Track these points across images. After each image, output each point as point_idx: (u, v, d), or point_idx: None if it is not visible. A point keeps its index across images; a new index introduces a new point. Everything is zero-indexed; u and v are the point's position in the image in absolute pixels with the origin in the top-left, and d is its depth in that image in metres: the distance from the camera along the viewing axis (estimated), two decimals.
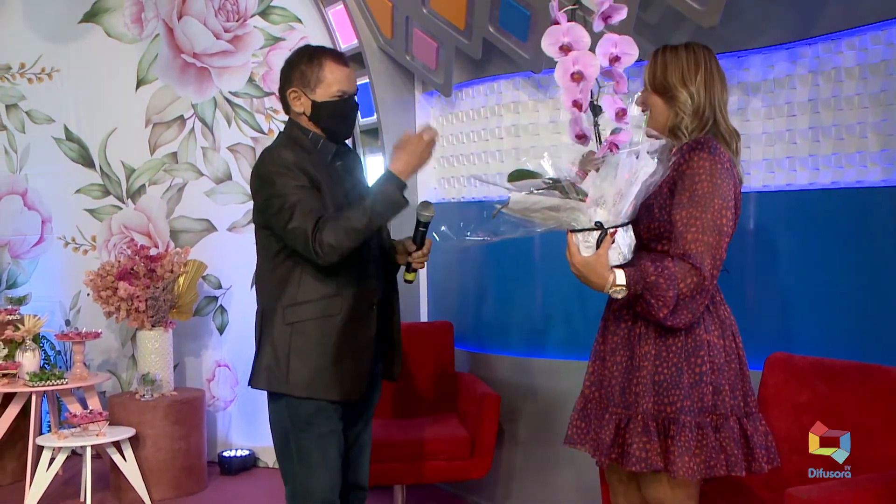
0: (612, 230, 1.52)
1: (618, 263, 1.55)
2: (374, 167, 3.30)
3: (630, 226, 1.56)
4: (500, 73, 2.92)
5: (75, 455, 3.19)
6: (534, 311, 2.88)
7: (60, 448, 2.91)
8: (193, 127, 3.56)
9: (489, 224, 1.58)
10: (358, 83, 3.20)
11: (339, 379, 1.80)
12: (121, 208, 3.66)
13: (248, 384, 1.89)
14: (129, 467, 3.02)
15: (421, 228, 1.88)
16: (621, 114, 1.57)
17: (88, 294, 3.36)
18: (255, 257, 1.91)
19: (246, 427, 3.51)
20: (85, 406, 3.26)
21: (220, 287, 3.54)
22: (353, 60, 3.24)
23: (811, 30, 2.25)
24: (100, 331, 3.35)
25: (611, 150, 1.57)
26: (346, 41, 3.24)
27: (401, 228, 2.15)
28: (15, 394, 3.15)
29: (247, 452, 3.47)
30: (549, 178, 1.53)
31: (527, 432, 2.89)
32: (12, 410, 3.18)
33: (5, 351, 3.27)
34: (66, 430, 2.99)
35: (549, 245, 2.75)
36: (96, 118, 3.63)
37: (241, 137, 3.51)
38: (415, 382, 3.00)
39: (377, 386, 1.98)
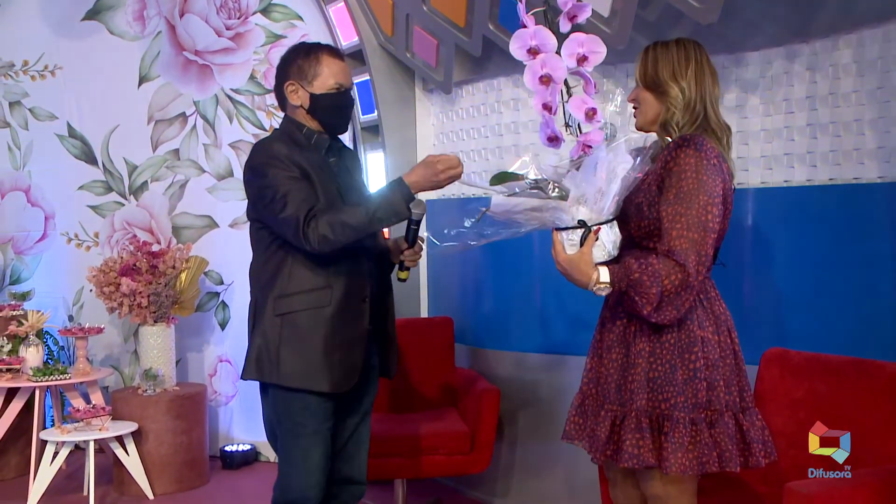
0: (595, 228, 1.53)
1: (603, 260, 1.56)
2: (374, 164, 3.32)
3: (615, 223, 1.57)
4: (499, 71, 2.93)
5: (78, 449, 3.20)
6: (533, 306, 2.90)
7: (64, 442, 2.93)
8: (195, 124, 3.58)
9: (475, 227, 1.58)
10: (359, 80, 3.28)
11: (329, 370, 1.82)
12: (123, 205, 3.67)
13: (242, 376, 1.91)
14: (131, 462, 3.04)
15: (412, 227, 1.89)
16: (591, 114, 1.57)
17: (91, 290, 3.38)
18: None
19: (247, 422, 3.52)
20: (88, 401, 3.28)
21: (221, 283, 3.56)
22: (354, 58, 3.27)
23: (809, 27, 2.26)
24: (102, 326, 3.37)
25: (583, 151, 1.58)
26: (346, 38, 3.26)
27: (398, 228, 2.17)
28: (19, 389, 3.17)
29: (248, 447, 3.49)
30: (532, 179, 1.53)
31: (526, 427, 2.91)
32: (16, 405, 3.19)
33: (9, 346, 3.29)
34: (70, 424, 3.01)
35: (548, 241, 2.74)
36: (99, 115, 3.65)
37: (242, 134, 3.53)
38: (415, 378, 3.01)
39: (373, 380, 1.99)
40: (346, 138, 3.32)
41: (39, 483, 2.95)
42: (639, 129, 1.69)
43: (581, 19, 1.59)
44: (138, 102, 3.59)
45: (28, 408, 3.20)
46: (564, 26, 1.59)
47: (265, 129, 3.48)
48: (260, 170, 1.82)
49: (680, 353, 1.58)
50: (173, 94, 3.57)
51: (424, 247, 1.91)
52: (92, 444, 2.93)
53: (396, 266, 1.98)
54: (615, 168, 1.50)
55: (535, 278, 2.86)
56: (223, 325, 3.58)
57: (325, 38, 3.32)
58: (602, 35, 2.27)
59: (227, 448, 3.47)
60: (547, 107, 1.56)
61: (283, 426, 1.86)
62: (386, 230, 2.16)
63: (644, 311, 1.53)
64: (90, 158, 3.70)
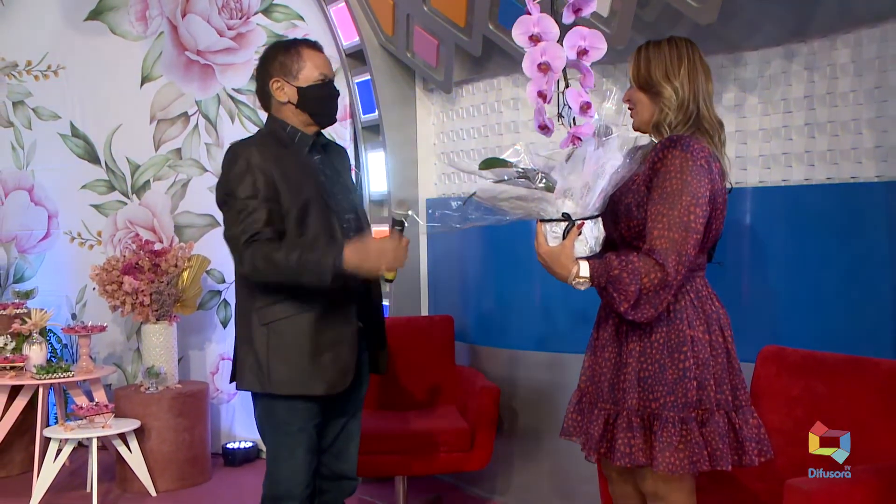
0: (579, 222, 1.53)
1: (585, 255, 1.56)
2: (375, 163, 3.33)
3: (599, 219, 1.57)
4: (499, 71, 2.94)
5: (81, 446, 3.22)
6: (533, 305, 2.90)
7: (67, 440, 2.95)
8: (197, 123, 3.59)
9: (460, 211, 1.58)
10: (360, 80, 3.29)
11: (321, 373, 1.82)
12: (126, 204, 3.69)
13: (237, 387, 1.91)
14: (134, 458, 3.06)
15: (397, 227, 1.86)
16: (586, 107, 1.57)
17: (94, 288, 3.40)
18: None
19: (249, 419, 3.52)
20: (91, 398, 3.30)
21: (223, 281, 3.58)
22: (355, 58, 3.29)
23: (807, 27, 2.27)
24: (105, 324, 3.39)
25: (573, 143, 1.57)
26: (347, 38, 3.27)
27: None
28: (22, 386, 3.19)
29: (250, 444, 3.50)
30: (521, 168, 1.53)
31: (526, 425, 2.92)
32: (20, 403, 3.22)
33: (13, 344, 3.31)
34: (73, 422, 3.02)
35: None
36: (102, 115, 3.67)
37: (244, 133, 3.52)
38: (416, 375, 3.03)
39: (363, 378, 1.99)
40: (346, 137, 3.38)
41: (43, 480, 2.97)
42: (636, 129, 1.69)
43: (586, 13, 1.59)
44: (141, 102, 3.60)
45: (32, 405, 3.22)
46: (568, 18, 1.59)
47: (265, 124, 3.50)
48: (228, 180, 1.80)
49: (669, 353, 1.59)
50: (175, 93, 3.59)
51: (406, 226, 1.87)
52: (95, 442, 2.94)
53: None
54: (604, 164, 1.50)
55: (535, 277, 2.87)
56: (225, 324, 3.59)
57: (326, 39, 3.34)
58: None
59: (228, 445, 3.49)
60: (542, 94, 1.56)
61: (268, 424, 1.88)
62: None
63: (621, 308, 1.53)
64: (93, 158, 3.72)
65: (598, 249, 1.58)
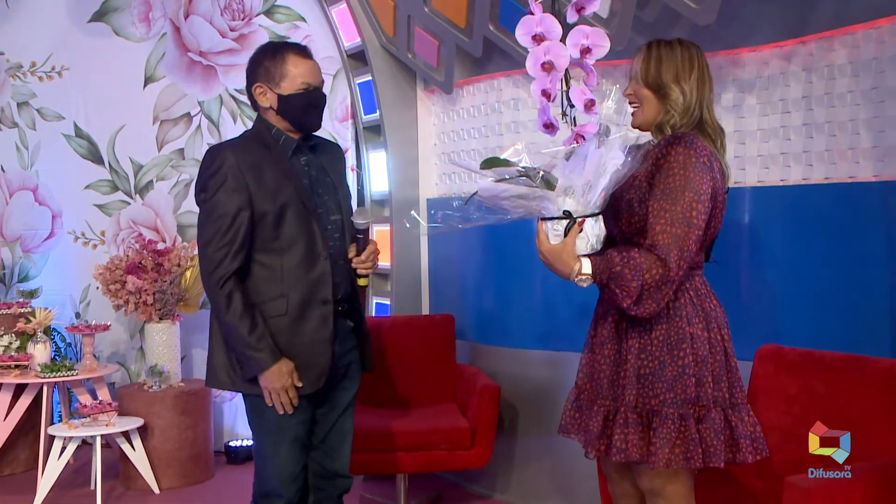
0: (580, 219, 1.53)
1: (586, 253, 1.56)
2: (376, 163, 3.35)
3: (600, 216, 1.57)
4: (500, 71, 2.96)
5: (85, 444, 3.23)
6: (534, 304, 2.92)
7: (71, 438, 2.96)
8: (200, 124, 3.62)
9: (461, 210, 1.59)
10: (361, 81, 3.30)
11: (295, 375, 1.83)
12: (129, 203, 3.72)
13: (207, 384, 1.93)
14: (137, 456, 3.08)
15: (358, 236, 1.89)
16: (590, 105, 1.57)
17: (98, 287, 3.42)
18: None
19: None
20: (95, 397, 3.32)
21: None
22: (356, 58, 3.31)
23: (804, 28, 2.28)
24: (109, 323, 3.41)
25: (577, 141, 1.57)
26: (348, 39, 3.29)
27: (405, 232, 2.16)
28: (27, 385, 3.21)
29: (252, 442, 3.52)
30: (522, 167, 1.53)
31: (526, 423, 2.93)
32: (24, 401, 3.24)
33: (17, 343, 3.34)
34: (77, 420, 3.04)
35: None
36: (105, 115, 3.69)
37: None
38: (417, 374, 3.04)
39: (353, 376, 1.99)
40: (348, 137, 3.40)
41: (48, 477, 2.98)
42: (636, 127, 1.69)
43: (588, 12, 1.59)
44: (144, 103, 3.63)
45: (36, 403, 3.24)
46: (571, 17, 1.60)
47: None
48: (206, 183, 1.82)
49: (669, 350, 1.60)
50: (178, 94, 3.61)
51: (407, 226, 1.88)
52: (99, 440, 2.96)
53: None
54: (605, 163, 1.50)
55: (536, 276, 2.89)
56: None
57: (327, 40, 3.36)
58: None
59: (231, 443, 3.50)
60: (546, 93, 1.57)
61: (254, 422, 1.90)
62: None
63: (624, 304, 1.54)
64: (96, 158, 3.75)
65: (599, 247, 1.58)
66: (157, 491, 3.10)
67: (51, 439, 3.04)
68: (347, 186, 2.03)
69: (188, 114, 3.62)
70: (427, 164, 3.36)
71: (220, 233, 1.79)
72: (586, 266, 1.54)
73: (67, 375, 3.16)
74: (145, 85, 3.64)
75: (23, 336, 3.33)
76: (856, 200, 2.22)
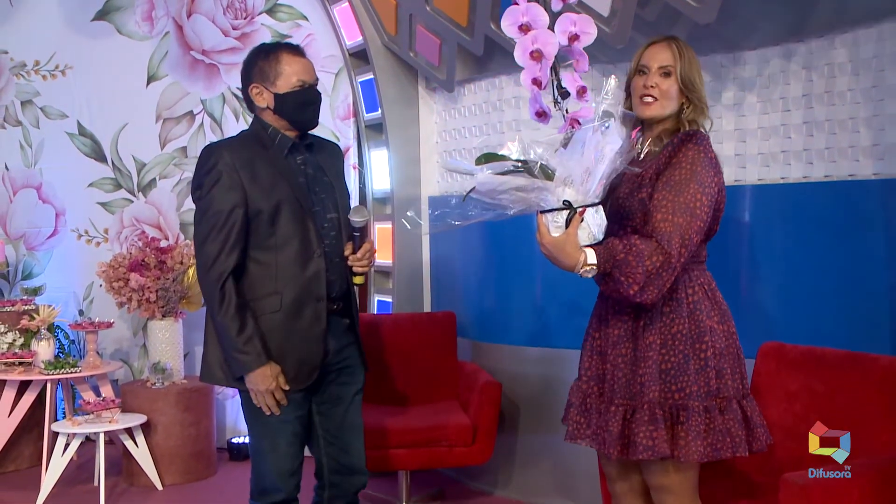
0: (580, 209, 1.52)
1: (587, 244, 1.55)
2: (378, 161, 3.36)
3: (600, 206, 1.56)
4: (501, 70, 2.96)
5: (89, 441, 3.26)
6: (535, 301, 2.93)
7: (75, 434, 2.98)
8: (202, 122, 3.63)
9: (460, 209, 1.58)
10: (363, 79, 3.31)
11: (288, 370, 1.86)
12: (132, 201, 3.73)
13: (201, 379, 1.96)
14: (140, 453, 3.10)
15: (355, 234, 1.90)
16: (582, 91, 1.56)
17: (101, 285, 3.43)
18: None
19: None
20: (98, 394, 3.33)
21: None
22: (358, 57, 3.32)
23: (805, 27, 2.29)
24: (112, 321, 3.42)
25: (572, 126, 1.57)
26: (350, 38, 3.30)
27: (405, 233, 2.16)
28: (31, 382, 3.23)
29: (249, 439, 3.54)
30: (518, 160, 1.52)
31: (527, 420, 2.94)
32: (28, 398, 3.25)
33: (21, 340, 3.36)
34: (80, 416, 3.05)
35: None
36: (108, 114, 3.70)
37: None
38: (418, 371, 3.06)
39: (354, 370, 2.00)
40: (350, 135, 3.41)
41: (52, 473, 3.00)
42: (649, 118, 1.67)
43: None
44: (147, 101, 3.64)
45: (40, 400, 3.26)
46: (556, 5, 1.60)
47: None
48: (202, 181, 1.85)
49: (691, 343, 1.61)
50: (181, 92, 3.63)
51: (408, 226, 1.90)
52: (102, 436, 2.97)
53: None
54: (603, 148, 1.49)
55: (537, 274, 2.90)
56: None
57: (329, 39, 3.37)
58: (601, 34, 2.30)
59: (233, 440, 3.52)
60: (536, 82, 1.56)
61: (251, 418, 1.91)
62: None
63: (629, 292, 1.53)
64: (100, 156, 3.76)
65: (601, 237, 1.56)
66: (160, 487, 3.12)
67: (54, 436, 3.06)
68: (346, 185, 2.04)
69: (191, 112, 3.64)
70: (429, 162, 3.37)
71: (215, 230, 1.81)
72: (591, 256, 1.53)
73: (71, 372, 3.17)
74: (148, 83, 3.65)
75: (27, 333, 3.35)
76: (856, 198, 2.23)
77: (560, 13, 1.59)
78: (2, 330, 3.36)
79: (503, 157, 1.54)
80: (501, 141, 3.00)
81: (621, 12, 2.40)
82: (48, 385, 3.20)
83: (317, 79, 1.93)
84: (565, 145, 1.57)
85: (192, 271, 3.39)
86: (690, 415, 1.58)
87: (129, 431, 3.08)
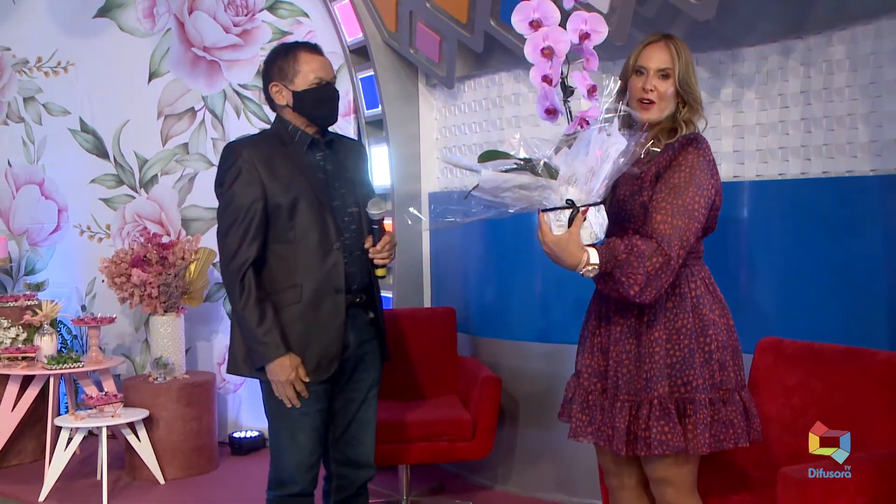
0: (583, 208, 1.52)
1: (589, 243, 1.55)
2: (378, 157, 3.37)
3: (602, 206, 1.57)
4: (501, 66, 2.97)
5: (92, 435, 3.27)
6: (534, 297, 2.94)
7: (77, 429, 3.00)
8: (204, 118, 3.64)
9: (461, 206, 1.58)
10: (364, 76, 3.33)
11: (305, 361, 1.89)
12: (134, 197, 3.74)
13: (227, 371, 2.00)
14: (143, 447, 3.12)
15: (374, 226, 1.95)
16: (592, 90, 1.56)
17: (103, 280, 3.45)
18: None
19: (255, 409, 3.58)
20: (100, 388, 3.35)
21: None
22: (359, 54, 3.32)
23: (803, 24, 2.30)
24: (114, 316, 3.44)
25: (581, 126, 1.56)
26: (351, 35, 3.31)
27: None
28: (34, 376, 3.25)
29: (256, 433, 3.55)
30: (521, 158, 1.52)
31: (527, 415, 2.96)
32: (31, 392, 3.27)
33: (24, 335, 3.37)
34: (83, 411, 3.07)
35: None
36: (110, 110, 3.72)
37: (249, 128, 3.58)
38: (419, 366, 3.07)
39: (370, 366, 2.04)
40: (350, 132, 3.42)
41: (55, 467, 3.02)
42: (650, 122, 1.67)
43: None
44: (148, 98, 3.65)
45: (43, 395, 3.28)
46: (568, 3, 1.59)
47: (271, 124, 3.55)
48: (223, 178, 1.92)
49: (696, 337, 1.62)
50: (182, 89, 3.64)
51: (409, 223, 1.93)
52: (105, 431, 2.99)
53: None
54: (608, 149, 1.50)
55: (536, 269, 2.91)
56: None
57: (330, 35, 3.38)
58: None
59: (235, 434, 3.54)
60: (547, 79, 1.55)
61: (272, 410, 1.94)
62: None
63: (630, 292, 1.54)
64: (102, 152, 3.78)
65: (602, 236, 1.57)
66: (162, 481, 3.14)
67: (57, 430, 3.07)
68: (368, 181, 2.08)
69: (192, 109, 3.65)
70: (429, 159, 3.38)
71: (235, 224, 1.87)
72: (594, 256, 1.54)
73: (74, 367, 3.19)
74: (150, 80, 3.66)
75: (30, 328, 3.37)
76: (853, 194, 2.23)
77: (571, 11, 1.59)
78: (5, 325, 3.38)
79: (505, 155, 1.55)
80: (501, 137, 3.03)
81: (620, 9, 2.41)
82: (51, 380, 3.21)
83: (334, 77, 1.98)
84: (570, 146, 1.56)
85: (193, 267, 3.40)
86: (697, 407, 1.60)
87: (132, 426, 3.09)
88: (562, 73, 1.56)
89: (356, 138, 3.26)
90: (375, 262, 1.97)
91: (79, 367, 3.21)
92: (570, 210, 1.52)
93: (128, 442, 3.12)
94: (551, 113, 1.61)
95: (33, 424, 3.40)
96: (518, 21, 1.57)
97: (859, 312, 2.22)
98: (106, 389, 3.30)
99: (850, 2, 2.19)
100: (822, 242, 2.29)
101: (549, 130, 2.98)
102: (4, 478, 3.27)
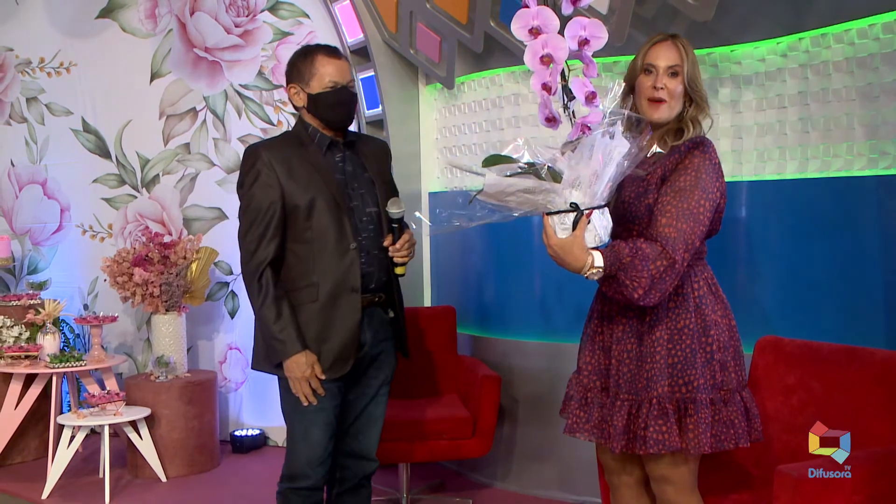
0: (587, 211, 1.53)
1: (594, 246, 1.56)
2: None
3: (606, 209, 1.57)
4: (501, 67, 2.98)
5: (94, 433, 3.28)
6: (534, 295, 2.95)
7: (80, 427, 3.01)
8: (205, 119, 3.66)
9: (466, 210, 1.59)
10: (364, 76, 3.34)
11: (321, 358, 1.92)
12: (136, 197, 3.76)
13: (251, 366, 2.05)
14: (145, 445, 3.13)
15: (393, 225, 1.97)
16: (591, 97, 1.55)
17: (105, 280, 3.47)
18: None
19: (256, 407, 3.61)
20: (103, 387, 3.37)
21: (231, 273, 3.64)
22: (359, 54, 3.33)
23: (801, 24, 2.31)
24: (116, 315, 3.45)
25: (582, 132, 1.56)
26: (351, 35, 3.32)
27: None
28: (36, 375, 3.26)
29: (257, 432, 3.57)
30: (525, 163, 1.53)
31: (526, 413, 2.97)
32: (34, 391, 3.29)
33: (27, 334, 3.39)
34: (85, 409, 3.08)
35: None
36: (112, 110, 3.73)
37: (251, 129, 3.60)
38: (419, 365, 3.08)
39: (384, 364, 2.07)
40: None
41: (57, 465, 3.03)
42: (660, 121, 1.66)
43: (584, 3, 1.58)
44: (150, 98, 3.67)
45: (46, 393, 3.29)
46: (567, 9, 1.59)
47: (273, 124, 3.56)
48: (243, 178, 1.96)
49: (698, 338, 1.63)
50: (184, 89, 3.65)
51: (413, 226, 1.96)
52: (107, 429, 3.00)
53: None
54: (611, 152, 1.50)
55: (536, 268, 2.92)
56: (232, 314, 3.66)
57: (330, 36, 3.39)
58: None
59: (236, 433, 3.55)
60: (546, 87, 1.55)
61: (287, 405, 1.98)
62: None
63: (634, 295, 1.54)
64: (104, 152, 3.79)
65: (607, 239, 1.57)
66: (163, 479, 3.15)
67: (60, 428, 3.09)
68: (390, 181, 2.10)
69: (194, 109, 3.66)
70: (429, 159, 3.39)
71: (254, 224, 1.91)
72: (599, 259, 1.54)
73: (76, 366, 3.21)
74: (151, 80, 3.68)
75: (32, 327, 3.39)
76: (851, 194, 2.24)
77: (571, 17, 1.58)
78: (8, 324, 3.39)
79: (509, 160, 1.55)
80: (501, 137, 3.04)
81: (619, 10, 2.42)
82: (54, 378, 3.23)
83: (351, 80, 2.00)
84: (573, 150, 1.56)
85: (195, 266, 3.42)
86: (699, 407, 1.61)
87: (134, 424, 3.11)
88: (563, 78, 1.56)
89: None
90: (395, 260, 2.00)
91: (81, 365, 3.23)
92: (575, 213, 1.53)
93: (130, 440, 3.13)
94: (551, 121, 1.61)
95: (36, 423, 3.42)
96: (518, 28, 1.57)
97: (857, 311, 2.23)
98: (108, 388, 3.32)
99: (849, 3, 2.20)
100: (819, 242, 2.30)
101: (550, 132, 2.99)
102: (7, 476, 3.29)
